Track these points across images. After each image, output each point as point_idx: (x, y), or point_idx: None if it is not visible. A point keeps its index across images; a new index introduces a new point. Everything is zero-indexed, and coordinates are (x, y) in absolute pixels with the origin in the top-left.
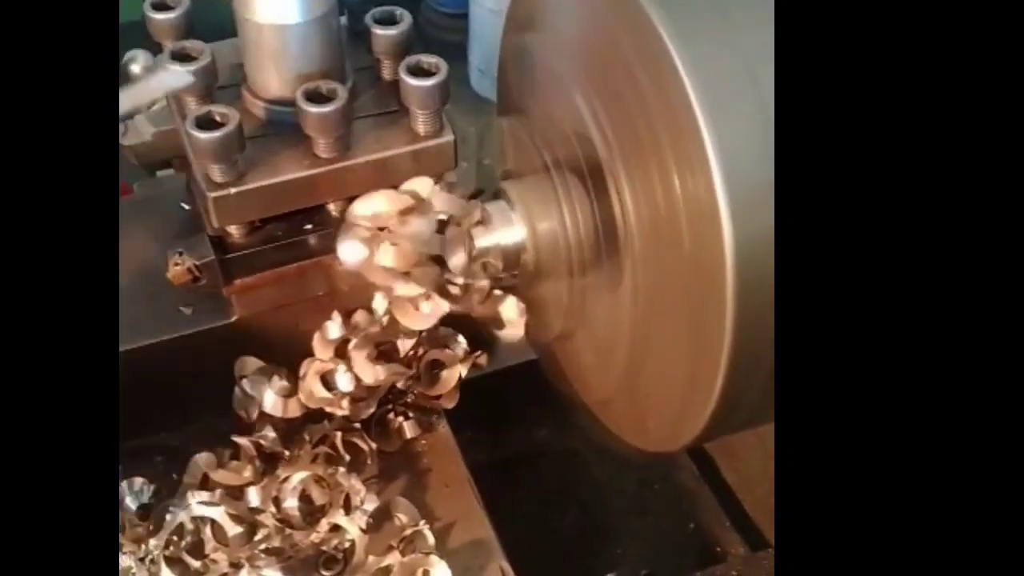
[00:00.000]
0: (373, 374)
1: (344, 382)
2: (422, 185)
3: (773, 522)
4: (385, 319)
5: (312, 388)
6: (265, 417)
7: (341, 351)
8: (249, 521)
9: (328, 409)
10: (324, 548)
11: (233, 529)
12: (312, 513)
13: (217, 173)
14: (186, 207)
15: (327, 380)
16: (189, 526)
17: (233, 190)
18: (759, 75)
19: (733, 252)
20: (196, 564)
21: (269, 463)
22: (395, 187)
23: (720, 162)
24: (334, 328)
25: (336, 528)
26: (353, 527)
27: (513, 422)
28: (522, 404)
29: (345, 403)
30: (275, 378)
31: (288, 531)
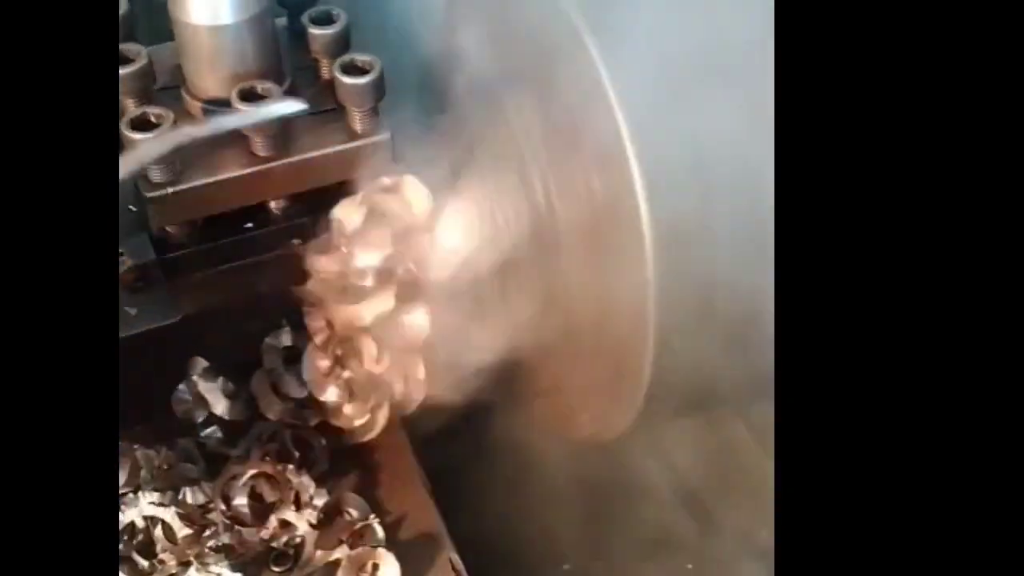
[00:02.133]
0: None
1: (296, 390)
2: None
3: (721, 507)
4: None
5: (268, 398)
6: (212, 417)
7: (290, 358)
8: (199, 522)
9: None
10: (274, 545)
11: (183, 530)
12: (262, 510)
13: (155, 173)
14: (133, 209)
15: (278, 388)
16: (140, 525)
17: (171, 190)
18: (678, 77)
19: (652, 246)
20: (145, 564)
21: (212, 463)
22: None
23: (640, 163)
24: (283, 338)
25: (286, 524)
26: (302, 523)
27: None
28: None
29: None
30: (221, 379)
31: (237, 528)
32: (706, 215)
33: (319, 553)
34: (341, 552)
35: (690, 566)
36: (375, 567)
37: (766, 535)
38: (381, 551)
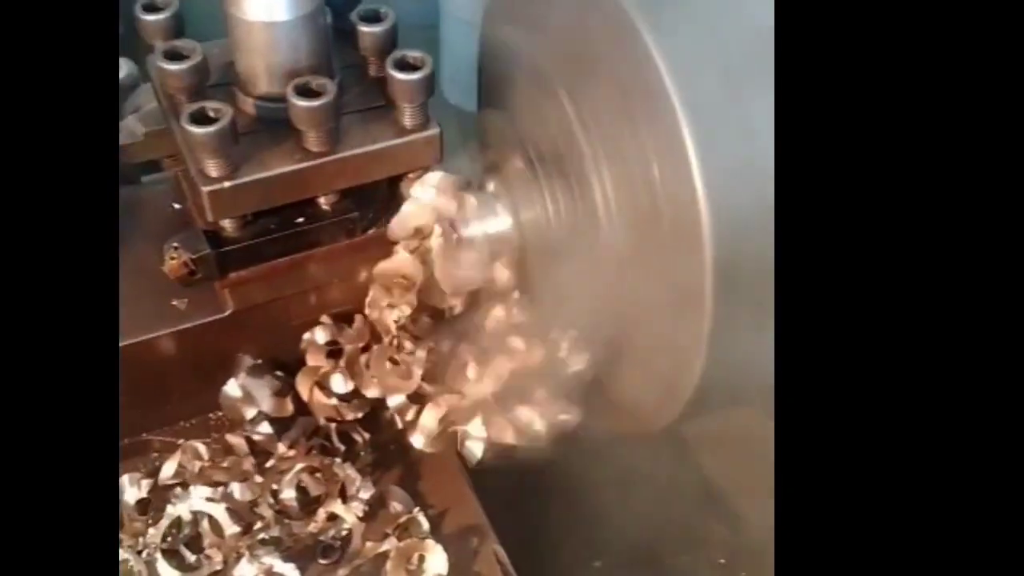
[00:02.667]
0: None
1: (340, 385)
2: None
3: (752, 505)
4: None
5: (315, 398)
6: (260, 413)
7: (332, 353)
8: (247, 518)
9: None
10: (321, 537)
11: (231, 527)
12: (308, 504)
13: (212, 168)
14: (176, 207)
15: (322, 384)
16: (187, 519)
17: (227, 184)
18: (734, 66)
19: (712, 238)
20: (192, 558)
21: (260, 458)
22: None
23: (699, 155)
24: (322, 333)
25: (333, 517)
26: (350, 515)
27: None
28: None
29: (344, 408)
30: (268, 377)
31: (287, 521)
32: (762, 206)
33: (368, 545)
34: (389, 544)
35: (723, 561)
36: (421, 558)
37: None
38: (429, 542)
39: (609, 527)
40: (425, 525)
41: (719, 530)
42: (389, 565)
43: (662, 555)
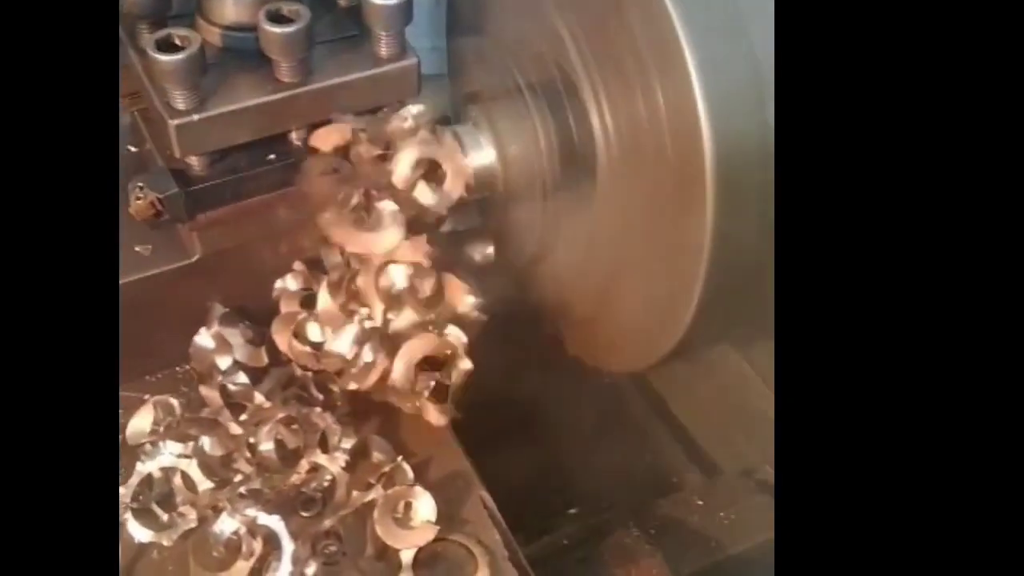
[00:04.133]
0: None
1: (316, 334)
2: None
3: (726, 450)
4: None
5: (291, 344)
6: (235, 363)
7: (306, 302)
8: (221, 475)
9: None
10: (304, 489)
11: (204, 483)
12: (286, 457)
13: (179, 100)
14: (132, 149)
15: (298, 332)
16: (158, 476)
17: (196, 116)
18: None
19: (714, 160)
20: (165, 517)
21: (235, 411)
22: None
23: (701, 76)
24: (294, 281)
25: (315, 468)
26: (334, 466)
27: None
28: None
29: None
30: (242, 326)
31: (268, 474)
32: (764, 133)
33: (354, 494)
34: (375, 493)
35: (700, 502)
36: (408, 506)
37: (769, 470)
38: (417, 489)
39: (584, 474)
40: (410, 473)
41: (694, 476)
42: (376, 514)
43: (639, 500)
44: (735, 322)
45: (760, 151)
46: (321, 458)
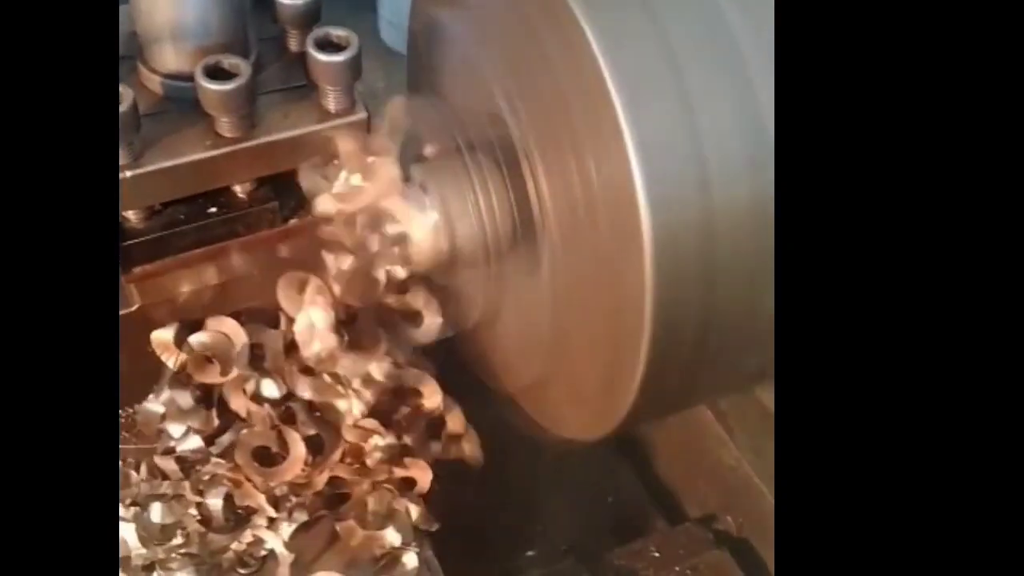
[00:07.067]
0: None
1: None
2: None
3: (691, 496)
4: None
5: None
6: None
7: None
8: (158, 538)
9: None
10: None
11: (137, 548)
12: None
13: None
14: None
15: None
16: None
17: (129, 173)
18: (681, 65)
19: (651, 239)
20: None
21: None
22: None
23: (637, 149)
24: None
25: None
26: (276, 541)
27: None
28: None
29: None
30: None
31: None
32: (705, 206)
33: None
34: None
35: (657, 554)
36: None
37: (730, 520)
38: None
39: (542, 518)
40: None
41: (654, 519)
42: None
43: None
44: (688, 391)
45: (700, 223)
46: (265, 533)
